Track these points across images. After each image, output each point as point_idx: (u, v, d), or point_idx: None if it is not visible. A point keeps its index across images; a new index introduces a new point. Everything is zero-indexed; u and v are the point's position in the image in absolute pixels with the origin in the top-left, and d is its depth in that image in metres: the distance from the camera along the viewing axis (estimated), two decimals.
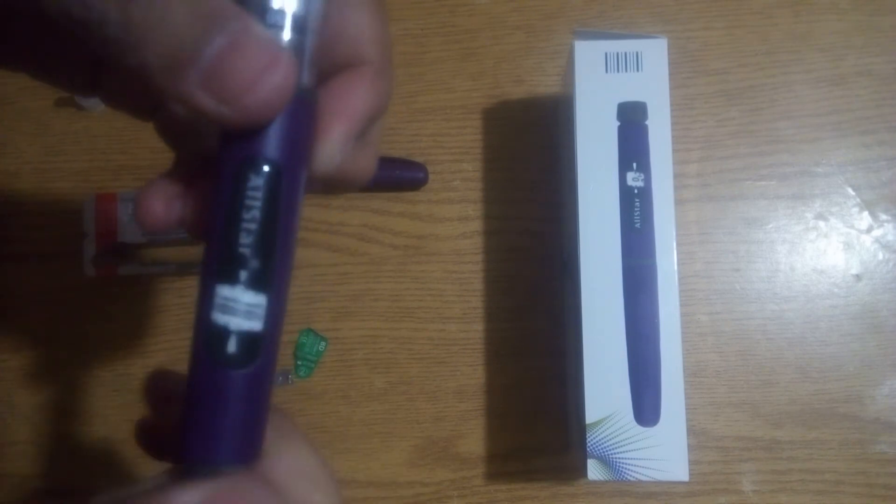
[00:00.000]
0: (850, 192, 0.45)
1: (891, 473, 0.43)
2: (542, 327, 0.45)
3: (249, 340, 0.17)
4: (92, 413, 0.46)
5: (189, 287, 0.46)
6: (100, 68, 0.21)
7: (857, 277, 0.44)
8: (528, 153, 0.46)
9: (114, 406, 0.46)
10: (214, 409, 0.17)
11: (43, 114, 0.48)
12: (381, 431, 0.45)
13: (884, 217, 0.45)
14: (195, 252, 0.45)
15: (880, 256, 0.44)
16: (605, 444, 0.33)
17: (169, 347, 0.46)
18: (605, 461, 0.33)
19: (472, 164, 0.46)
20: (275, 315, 0.17)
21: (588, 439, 0.33)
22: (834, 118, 0.45)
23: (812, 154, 0.45)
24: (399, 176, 0.46)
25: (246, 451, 0.18)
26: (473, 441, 0.44)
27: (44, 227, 0.47)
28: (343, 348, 0.45)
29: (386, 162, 0.46)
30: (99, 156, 0.48)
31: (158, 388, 0.21)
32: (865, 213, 0.45)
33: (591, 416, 0.33)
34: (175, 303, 0.46)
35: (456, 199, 0.46)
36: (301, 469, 0.19)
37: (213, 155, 0.18)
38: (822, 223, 0.45)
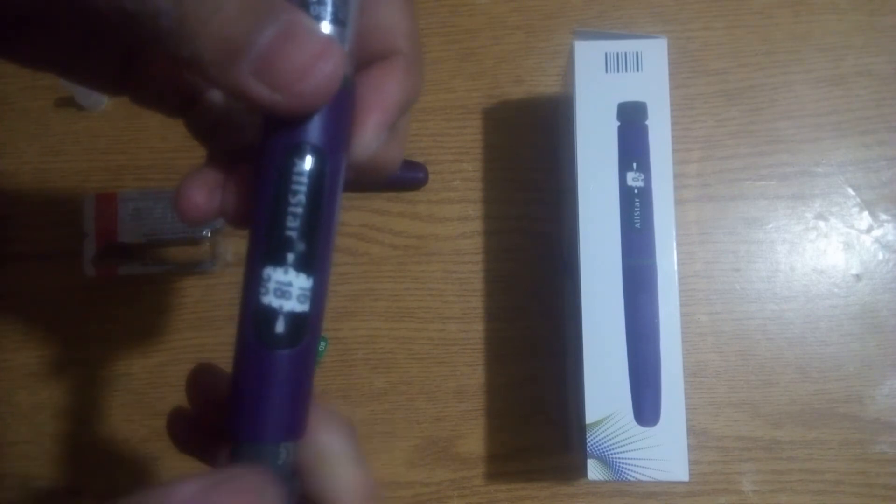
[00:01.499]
0: (850, 192, 0.45)
1: (891, 473, 0.43)
2: (542, 327, 0.45)
3: (297, 321, 0.18)
4: (92, 413, 0.46)
5: (189, 287, 0.46)
6: (131, 67, 0.22)
7: (857, 277, 0.44)
8: (528, 153, 0.46)
9: (114, 406, 0.46)
10: (263, 389, 0.18)
11: (43, 114, 0.48)
12: (381, 431, 0.45)
13: (884, 217, 0.45)
14: (195, 252, 0.45)
15: (880, 256, 0.44)
16: (605, 444, 0.33)
17: (169, 347, 0.46)
18: (605, 461, 0.33)
19: (472, 164, 0.46)
20: (320, 296, 0.18)
21: (588, 439, 0.33)
22: (834, 118, 0.45)
23: (812, 154, 0.45)
24: (399, 176, 0.46)
25: (294, 428, 0.18)
26: (473, 441, 0.44)
27: (44, 227, 0.47)
28: (343, 348, 0.45)
29: None
30: (99, 156, 0.48)
31: (202, 381, 0.22)
32: (865, 213, 0.45)
33: (591, 416, 0.33)
34: (175, 303, 0.46)
35: (456, 199, 0.46)
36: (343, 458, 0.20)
37: (253, 145, 0.18)
38: (822, 223, 0.45)
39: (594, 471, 0.33)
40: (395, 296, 0.46)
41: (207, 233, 0.44)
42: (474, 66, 0.47)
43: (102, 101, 0.48)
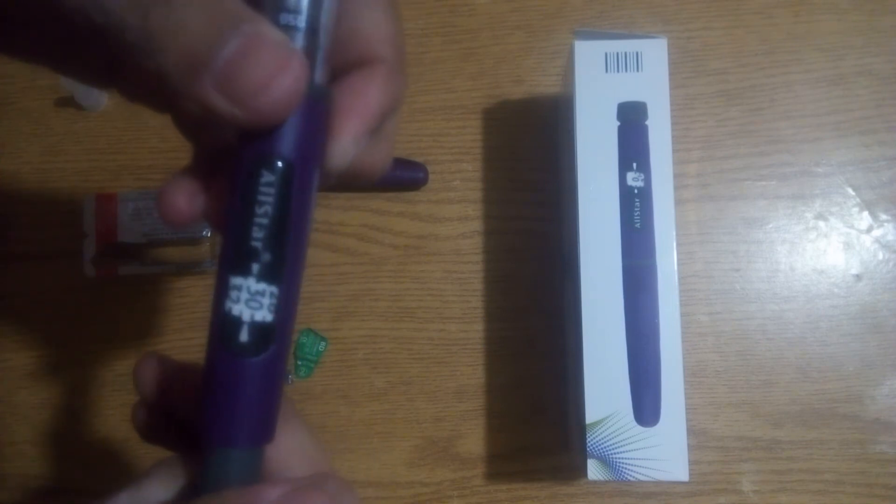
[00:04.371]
0: (850, 192, 0.45)
1: (891, 473, 0.43)
2: (542, 327, 0.45)
3: (261, 330, 0.18)
4: (92, 413, 0.46)
5: (189, 287, 0.46)
6: (115, 67, 0.22)
7: (857, 277, 0.44)
8: (528, 153, 0.46)
9: (114, 406, 0.46)
10: (230, 396, 0.18)
11: (43, 114, 0.48)
12: (381, 431, 0.45)
13: (884, 217, 0.45)
14: (195, 252, 0.45)
15: (880, 256, 0.44)
16: (605, 444, 0.33)
17: (169, 347, 0.46)
18: (605, 461, 0.33)
19: (472, 164, 0.46)
20: (286, 306, 0.18)
21: (588, 439, 0.33)
22: (834, 118, 0.45)
23: (812, 154, 0.45)
24: (399, 176, 0.46)
25: (260, 434, 0.18)
26: (473, 441, 0.44)
27: (44, 227, 0.47)
28: (343, 348, 0.45)
29: None
30: (99, 156, 0.48)
31: (148, 372, 0.22)
32: (865, 213, 0.45)
33: (591, 416, 0.33)
34: (175, 303, 0.46)
35: (456, 199, 0.46)
36: (299, 449, 0.20)
37: (229, 150, 0.18)
38: (822, 223, 0.45)
39: (594, 471, 0.33)
40: (395, 296, 0.46)
41: (207, 233, 0.44)
42: (474, 66, 0.47)
43: (102, 102, 0.48)
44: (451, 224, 0.46)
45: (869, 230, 0.45)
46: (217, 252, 0.45)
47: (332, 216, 0.46)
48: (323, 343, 0.45)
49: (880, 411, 0.43)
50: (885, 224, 0.45)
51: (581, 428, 0.34)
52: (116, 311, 0.47)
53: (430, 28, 0.47)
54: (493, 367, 0.45)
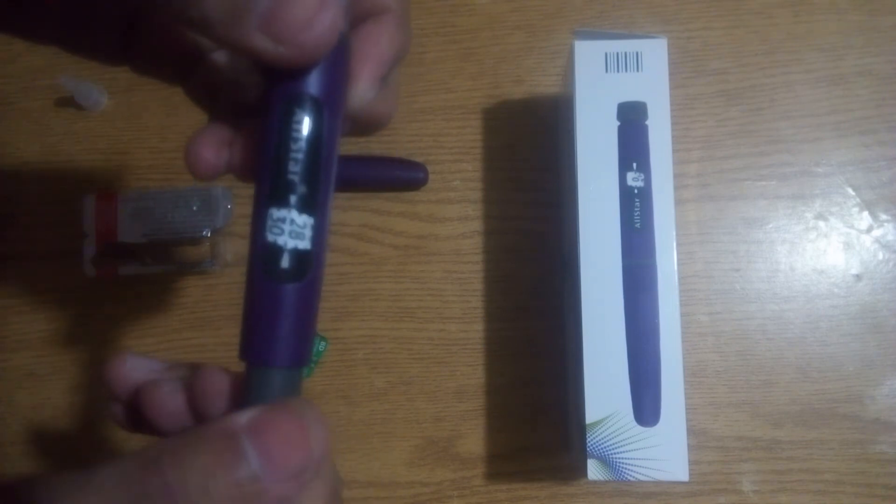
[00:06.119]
0: (850, 192, 0.45)
1: (891, 473, 0.43)
2: (542, 327, 0.45)
3: (300, 257, 0.19)
4: (92, 413, 0.46)
5: (189, 287, 0.46)
6: (132, 36, 0.23)
7: (857, 277, 0.44)
8: (528, 153, 0.46)
9: None
10: (270, 319, 0.19)
11: (43, 114, 0.48)
12: (381, 431, 0.45)
13: (884, 217, 0.45)
14: (195, 252, 0.45)
15: (880, 256, 0.44)
16: (605, 444, 0.33)
17: (169, 347, 0.46)
18: (605, 461, 0.33)
19: (472, 164, 0.46)
20: (321, 234, 0.20)
21: (588, 439, 0.33)
22: (834, 118, 0.45)
23: (812, 154, 0.45)
24: (399, 176, 0.46)
25: (298, 355, 0.20)
26: (473, 441, 0.44)
27: (44, 227, 0.47)
28: (343, 348, 0.45)
29: (386, 162, 0.46)
30: (99, 156, 0.48)
31: (119, 369, 0.23)
32: (865, 213, 0.45)
33: (591, 416, 0.33)
34: (175, 303, 0.46)
35: (456, 199, 0.46)
36: None
37: (254, 104, 0.20)
38: (822, 223, 0.45)
39: (594, 471, 0.33)
40: (395, 296, 0.46)
41: (207, 233, 0.44)
42: (474, 66, 0.47)
43: (102, 102, 0.48)
44: (451, 224, 0.46)
45: (869, 230, 0.45)
46: (217, 253, 0.45)
47: (332, 216, 0.46)
48: (323, 343, 0.45)
49: (880, 411, 0.43)
50: (885, 224, 0.45)
51: (581, 428, 0.34)
52: (116, 311, 0.47)
53: (430, 28, 0.47)
54: (493, 367, 0.45)
